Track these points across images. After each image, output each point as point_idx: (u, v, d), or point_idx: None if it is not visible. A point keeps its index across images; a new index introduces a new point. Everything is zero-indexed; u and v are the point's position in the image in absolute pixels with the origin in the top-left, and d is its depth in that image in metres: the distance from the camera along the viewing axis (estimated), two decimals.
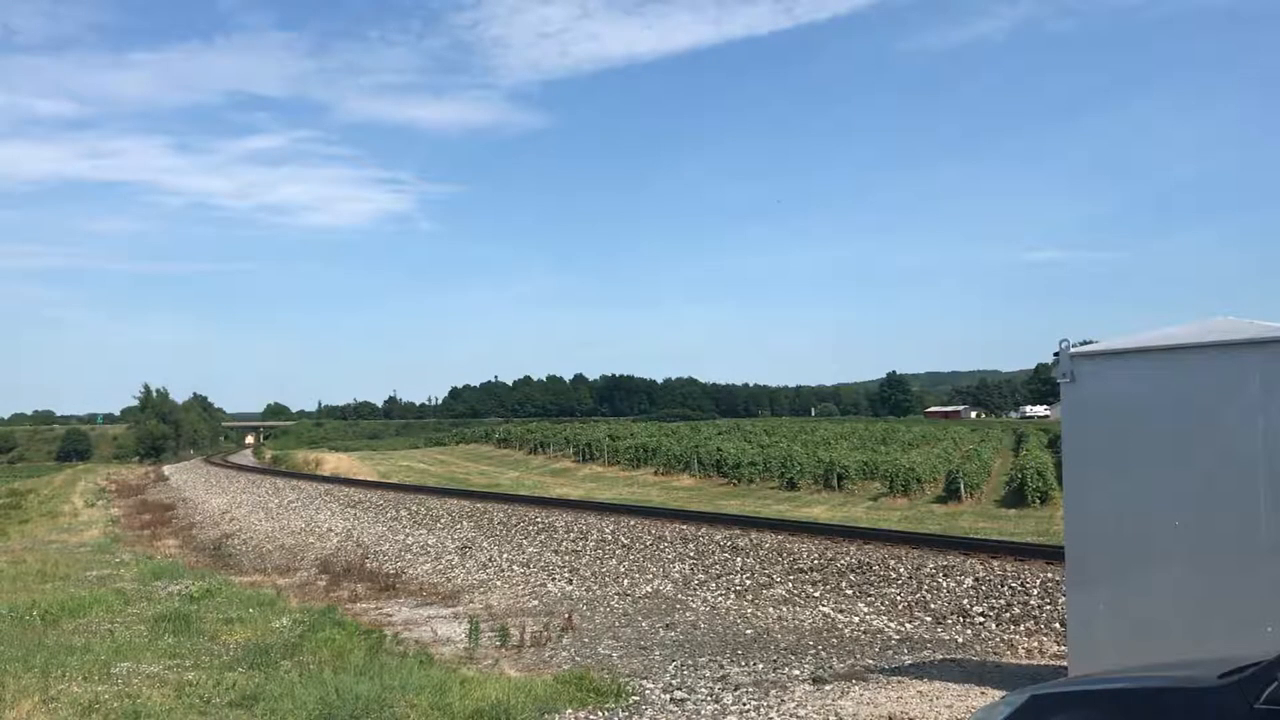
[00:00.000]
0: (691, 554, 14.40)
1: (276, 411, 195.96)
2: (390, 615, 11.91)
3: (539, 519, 19.27)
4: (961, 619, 10.24)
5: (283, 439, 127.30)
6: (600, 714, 7.10)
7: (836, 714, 6.87)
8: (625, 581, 13.52)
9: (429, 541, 18.68)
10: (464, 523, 20.20)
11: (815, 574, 12.50)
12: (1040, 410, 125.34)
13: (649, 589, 12.97)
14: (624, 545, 15.64)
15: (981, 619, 10.13)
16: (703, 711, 7.11)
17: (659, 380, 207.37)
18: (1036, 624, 9.73)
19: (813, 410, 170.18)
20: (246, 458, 78.96)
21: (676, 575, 13.49)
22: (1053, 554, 11.46)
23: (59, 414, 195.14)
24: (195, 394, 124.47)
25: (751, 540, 14.71)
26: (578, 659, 9.05)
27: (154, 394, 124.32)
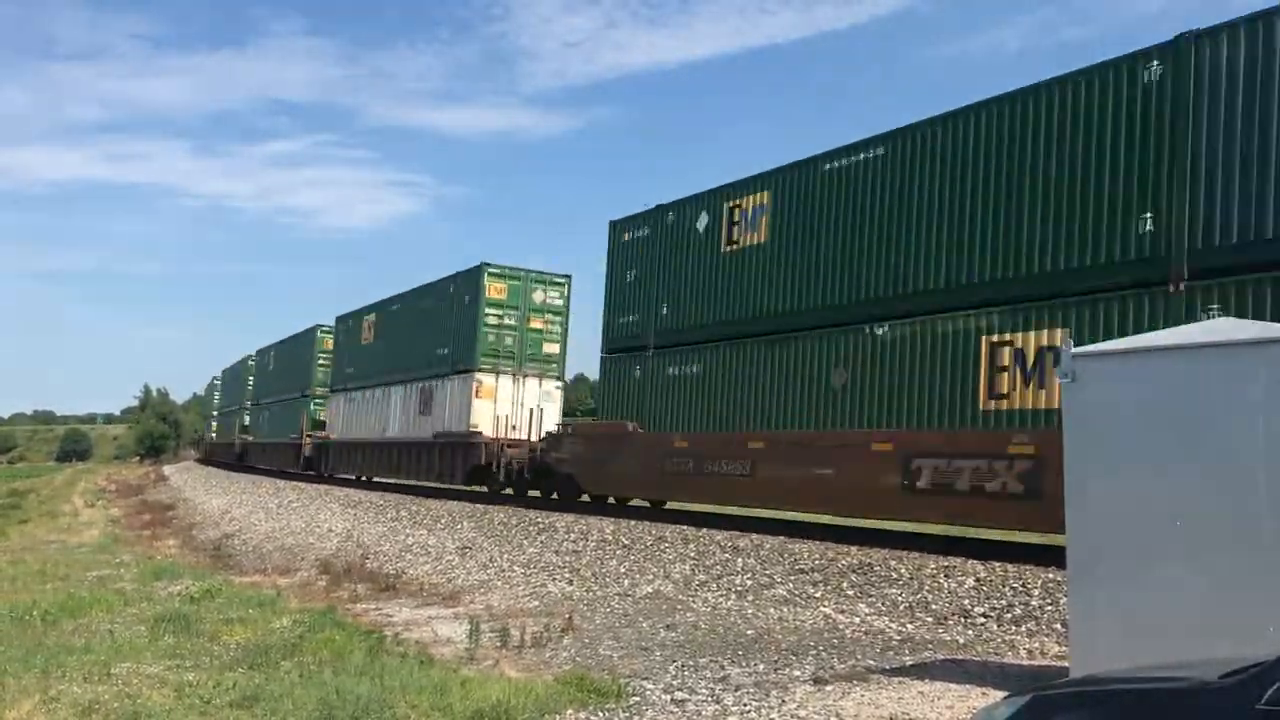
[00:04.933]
0: (692, 554, 14.39)
1: None
2: (390, 616, 11.89)
3: (539, 520, 19.25)
4: (963, 619, 10.23)
5: None
6: (601, 714, 7.09)
7: (838, 714, 6.86)
8: (626, 582, 13.51)
9: (429, 542, 18.67)
10: (464, 523, 20.19)
11: (816, 574, 12.49)
12: None
13: (649, 589, 12.96)
14: (624, 546, 15.63)
15: (983, 619, 10.11)
16: (703, 712, 7.10)
17: None
18: (1038, 624, 9.72)
19: None
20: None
21: (677, 576, 13.48)
22: (1054, 554, 11.45)
23: (59, 414, 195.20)
24: (195, 394, 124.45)
25: (752, 541, 14.70)
26: (578, 660, 9.04)
27: (154, 394, 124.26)
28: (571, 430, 22.79)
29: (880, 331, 14.91)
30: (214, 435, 71.13)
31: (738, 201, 18.27)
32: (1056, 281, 12.74)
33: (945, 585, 11.21)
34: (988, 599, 10.57)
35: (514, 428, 25.72)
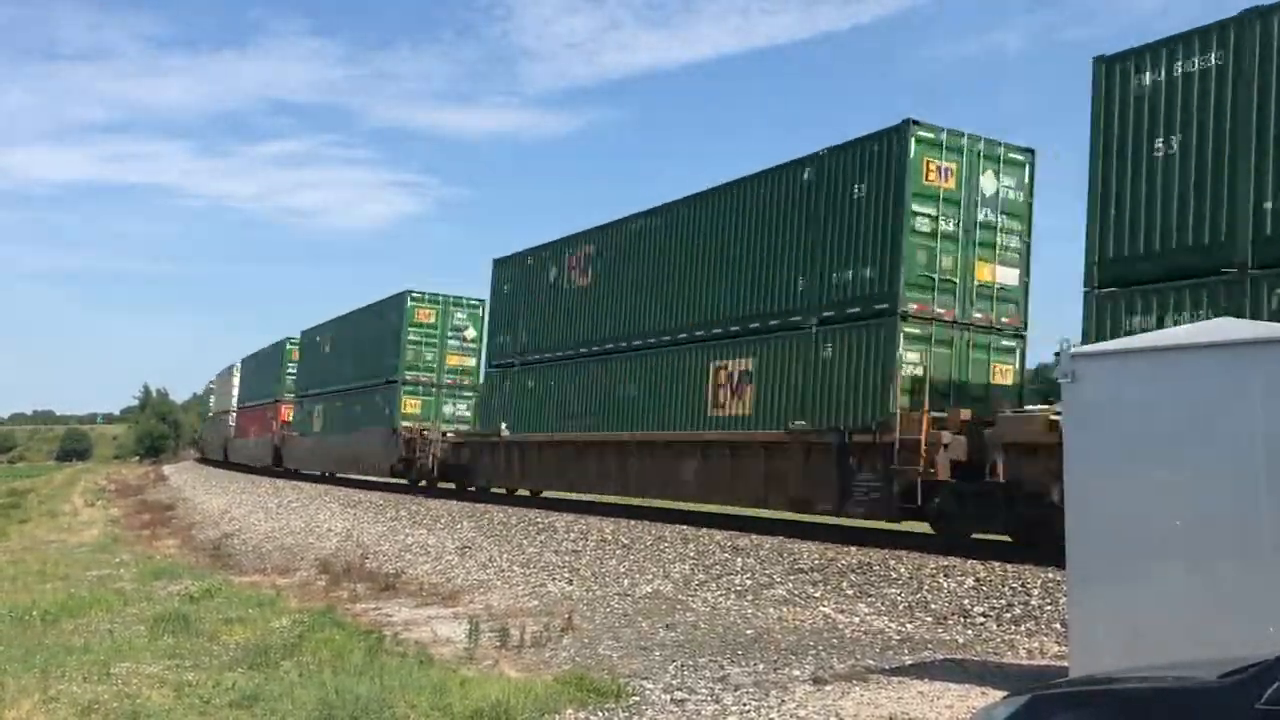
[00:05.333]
0: (691, 554, 14.39)
1: None
2: (390, 615, 11.89)
3: (539, 519, 19.26)
4: (962, 619, 10.23)
5: None
6: (600, 714, 7.09)
7: (837, 714, 6.86)
8: (625, 582, 13.50)
9: (429, 541, 18.67)
10: (464, 523, 20.19)
11: (815, 574, 12.49)
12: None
13: (649, 589, 12.96)
14: (624, 545, 15.63)
15: (982, 619, 10.11)
16: (703, 712, 7.10)
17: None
18: (1037, 624, 9.72)
19: None
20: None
21: (676, 575, 13.48)
22: (1054, 554, 11.44)
23: (59, 414, 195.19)
24: (195, 394, 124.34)
25: (752, 541, 14.70)
26: (578, 659, 9.04)
27: (154, 394, 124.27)
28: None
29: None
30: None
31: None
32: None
33: (945, 585, 11.21)
34: (987, 599, 10.57)
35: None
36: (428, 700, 7.15)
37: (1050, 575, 10.70)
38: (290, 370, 46.54)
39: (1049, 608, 9.93)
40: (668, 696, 7.53)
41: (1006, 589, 10.67)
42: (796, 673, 8.22)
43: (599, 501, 22.92)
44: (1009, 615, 10.04)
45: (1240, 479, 6.11)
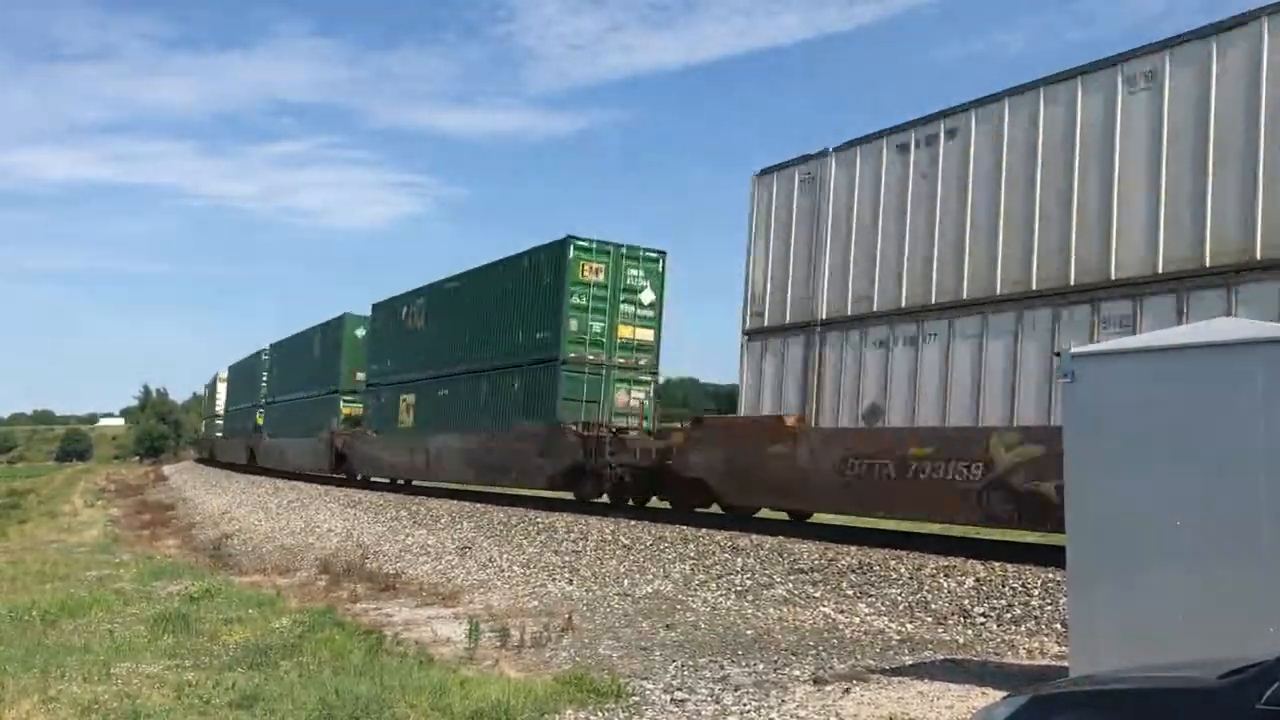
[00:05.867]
0: (692, 554, 14.39)
1: None
2: (390, 615, 11.89)
3: (539, 519, 19.25)
4: (963, 619, 10.23)
5: None
6: (600, 714, 7.08)
7: (838, 714, 6.86)
8: (625, 582, 13.51)
9: (429, 542, 18.67)
10: (464, 523, 20.18)
11: (816, 574, 12.49)
12: None
13: (649, 589, 12.97)
14: (624, 546, 15.62)
15: (983, 619, 10.11)
16: (703, 712, 7.10)
17: (660, 380, 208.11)
18: (1038, 624, 9.72)
19: None
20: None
21: (677, 575, 13.48)
22: (1054, 554, 11.44)
23: (59, 414, 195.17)
24: (195, 394, 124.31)
25: (752, 541, 14.69)
26: (578, 659, 9.04)
27: (154, 394, 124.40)
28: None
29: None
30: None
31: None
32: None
33: (945, 585, 11.20)
34: (988, 599, 10.56)
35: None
36: (428, 700, 7.15)
37: (1051, 575, 10.69)
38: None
39: (1049, 608, 9.92)
40: (668, 696, 7.53)
41: (1007, 589, 10.67)
42: (797, 673, 8.22)
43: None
44: (1009, 615, 10.04)
45: (1240, 479, 6.11)
